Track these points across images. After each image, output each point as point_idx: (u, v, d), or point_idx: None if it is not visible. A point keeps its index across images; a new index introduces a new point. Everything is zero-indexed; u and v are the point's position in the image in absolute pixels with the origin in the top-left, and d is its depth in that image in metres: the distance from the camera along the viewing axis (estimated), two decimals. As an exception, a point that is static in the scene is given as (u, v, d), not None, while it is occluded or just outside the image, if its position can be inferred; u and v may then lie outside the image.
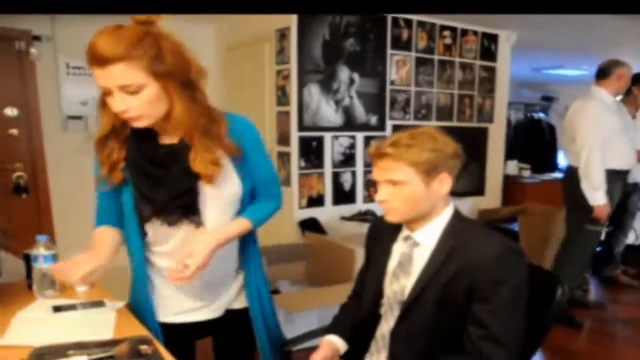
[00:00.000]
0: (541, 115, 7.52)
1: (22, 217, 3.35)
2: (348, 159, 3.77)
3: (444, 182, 1.28)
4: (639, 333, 3.29)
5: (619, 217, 3.69)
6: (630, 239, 4.16)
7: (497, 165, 4.80)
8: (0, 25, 3.27)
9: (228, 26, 4.13)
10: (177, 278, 1.26)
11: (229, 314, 1.50)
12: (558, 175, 5.96)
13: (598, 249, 3.73)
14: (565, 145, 3.54)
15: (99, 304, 1.48)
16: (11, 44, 3.37)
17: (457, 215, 1.34)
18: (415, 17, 3.95)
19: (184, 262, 1.26)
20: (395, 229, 1.40)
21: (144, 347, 1.17)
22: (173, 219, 1.32)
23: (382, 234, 1.45)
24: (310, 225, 3.54)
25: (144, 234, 1.38)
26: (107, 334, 1.28)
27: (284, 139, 3.61)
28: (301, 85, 3.48)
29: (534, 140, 7.07)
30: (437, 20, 4.09)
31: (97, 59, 1.12)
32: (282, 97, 3.57)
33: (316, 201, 3.68)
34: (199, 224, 1.34)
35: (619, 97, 3.38)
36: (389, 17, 3.81)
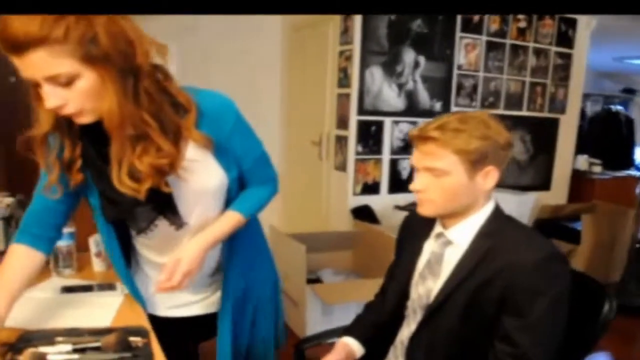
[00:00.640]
0: (619, 108, 7.03)
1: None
2: (408, 146, 3.63)
3: (490, 176, 1.15)
4: None
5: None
6: None
7: (567, 159, 4.52)
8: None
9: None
10: (164, 288, 1.15)
11: None
12: (633, 172, 5.58)
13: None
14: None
15: (110, 287, 1.42)
16: None
17: (497, 213, 1.20)
18: (488, -1, 3.73)
19: (172, 269, 1.14)
20: (430, 224, 1.27)
21: (135, 339, 1.11)
22: (143, 224, 1.17)
23: (415, 229, 1.32)
24: (363, 213, 3.45)
25: (120, 237, 1.25)
26: (106, 321, 1.22)
27: (342, 123, 3.52)
28: (363, 67, 3.36)
29: (610, 135, 6.62)
30: (513, 2, 3.84)
31: (11, 45, 0.89)
32: (344, 79, 3.47)
33: (371, 188, 3.59)
34: (179, 224, 1.18)
35: None
36: (461, -2, 3.61)
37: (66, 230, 1.48)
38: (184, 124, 1.08)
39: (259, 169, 1.27)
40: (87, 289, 1.42)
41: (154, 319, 1.30)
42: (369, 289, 1.51)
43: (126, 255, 1.31)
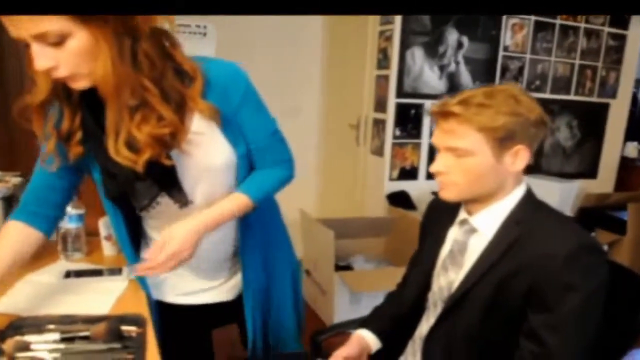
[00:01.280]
0: (673, 92, 6.67)
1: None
2: (448, 130, 3.53)
3: (520, 156, 1.03)
4: None
5: None
6: None
7: (615, 145, 4.30)
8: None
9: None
10: (143, 269, 1.07)
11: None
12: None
13: None
14: None
15: (117, 271, 1.37)
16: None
17: (528, 198, 1.09)
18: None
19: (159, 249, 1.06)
20: (454, 210, 1.17)
21: (129, 329, 1.04)
22: (145, 201, 1.10)
23: (439, 215, 1.22)
24: (399, 199, 3.36)
25: (128, 220, 1.19)
26: (104, 309, 1.17)
27: (380, 105, 3.42)
28: (404, 47, 3.24)
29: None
30: (565, -21, 3.64)
31: None
32: (383, 60, 3.36)
33: (409, 173, 3.50)
34: (184, 202, 1.11)
35: None
36: (509, -25, 3.44)
37: (75, 211, 1.43)
38: (189, 93, 1.01)
39: (272, 149, 1.18)
40: (96, 273, 1.37)
41: (164, 306, 1.27)
42: (398, 277, 1.42)
43: (136, 239, 1.27)
